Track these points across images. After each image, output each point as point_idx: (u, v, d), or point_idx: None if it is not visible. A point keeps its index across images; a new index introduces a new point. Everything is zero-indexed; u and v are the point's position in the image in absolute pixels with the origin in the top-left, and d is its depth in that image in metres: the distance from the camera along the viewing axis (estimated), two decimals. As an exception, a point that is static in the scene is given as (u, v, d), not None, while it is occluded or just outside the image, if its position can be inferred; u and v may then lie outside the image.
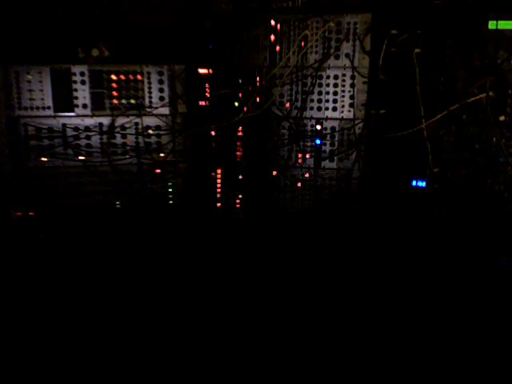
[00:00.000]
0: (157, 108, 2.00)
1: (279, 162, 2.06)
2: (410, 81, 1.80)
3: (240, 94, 2.01)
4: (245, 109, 1.98)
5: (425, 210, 1.92)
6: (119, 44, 2.02)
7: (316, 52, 1.95)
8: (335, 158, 2.02)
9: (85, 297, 1.86)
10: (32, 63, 1.88)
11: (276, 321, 1.77)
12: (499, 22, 1.75)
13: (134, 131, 1.99)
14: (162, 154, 2.03)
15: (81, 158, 1.97)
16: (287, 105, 2.01)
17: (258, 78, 1.99)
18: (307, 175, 2.06)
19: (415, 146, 1.84)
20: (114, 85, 1.95)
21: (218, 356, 1.61)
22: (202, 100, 2.04)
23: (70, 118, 1.95)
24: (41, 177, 1.95)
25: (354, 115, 1.97)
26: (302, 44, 1.92)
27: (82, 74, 1.92)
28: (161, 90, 1.99)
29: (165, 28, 2.16)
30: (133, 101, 1.97)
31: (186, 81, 2.01)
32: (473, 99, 1.75)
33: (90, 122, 1.96)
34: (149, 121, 2.00)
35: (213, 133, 2.07)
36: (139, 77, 1.97)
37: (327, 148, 2.03)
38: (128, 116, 1.98)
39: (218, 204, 2.13)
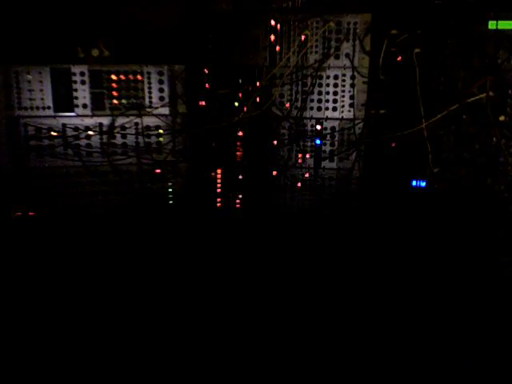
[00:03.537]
0: (157, 108, 2.00)
1: (279, 162, 2.06)
2: (410, 81, 1.80)
3: (240, 94, 2.01)
4: (245, 109, 1.97)
5: (425, 209, 1.92)
6: (119, 44, 2.02)
7: (316, 52, 1.95)
8: (335, 157, 2.02)
9: (84, 296, 1.86)
10: (32, 63, 1.88)
11: (276, 320, 1.77)
12: (499, 21, 1.75)
13: (134, 131, 2.00)
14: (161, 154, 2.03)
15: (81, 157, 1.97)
16: (287, 105, 2.01)
17: (257, 78, 1.99)
18: (307, 175, 2.06)
19: (415, 145, 1.84)
20: (114, 85, 1.95)
21: (218, 355, 1.62)
22: (201, 100, 2.04)
23: (70, 118, 1.95)
24: (41, 177, 1.95)
25: (354, 115, 1.97)
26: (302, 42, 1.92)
27: (82, 74, 1.92)
28: (161, 90, 1.99)
29: (165, 28, 2.16)
30: (133, 100, 1.97)
31: (185, 81, 2.01)
32: (473, 99, 1.75)
33: (90, 121, 1.96)
34: (149, 121, 2.01)
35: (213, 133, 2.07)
36: (139, 77, 1.97)
37: (327, 148, 2.03)
38: (128, 116, 1.98)
39: (218, 204, 2.13)
